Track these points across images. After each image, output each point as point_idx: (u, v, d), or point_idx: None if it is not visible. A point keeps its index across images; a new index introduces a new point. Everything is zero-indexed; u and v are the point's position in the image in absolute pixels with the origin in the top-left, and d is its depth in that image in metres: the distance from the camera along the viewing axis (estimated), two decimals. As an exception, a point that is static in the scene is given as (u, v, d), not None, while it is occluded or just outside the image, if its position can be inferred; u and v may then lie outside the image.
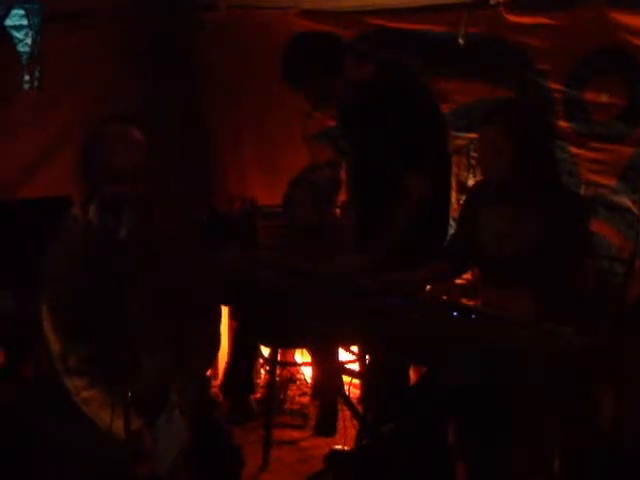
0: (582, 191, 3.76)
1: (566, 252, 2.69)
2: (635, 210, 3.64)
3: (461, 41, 3.84)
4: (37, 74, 3.80)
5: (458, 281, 3.28)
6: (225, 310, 4.20)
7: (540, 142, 2.77)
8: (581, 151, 3.75)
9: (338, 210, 4.10)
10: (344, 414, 3.87)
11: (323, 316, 2.78)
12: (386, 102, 3.13)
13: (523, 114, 2.81)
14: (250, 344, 4.14)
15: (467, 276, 3.23)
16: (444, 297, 2.88)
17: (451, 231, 3.34)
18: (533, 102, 3.67)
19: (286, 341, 3.96)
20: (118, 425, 2.31)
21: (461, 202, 3.75)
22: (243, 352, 4.13)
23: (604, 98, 3.69)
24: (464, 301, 2.96)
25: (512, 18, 3.83)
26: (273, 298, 2.87)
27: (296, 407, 4.29)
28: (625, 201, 3.67)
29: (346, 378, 3.97)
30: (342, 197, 4.04)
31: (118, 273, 2.37)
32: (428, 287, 3.17)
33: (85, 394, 2.40)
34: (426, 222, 3.12)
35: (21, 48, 3.78)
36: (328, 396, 4.05)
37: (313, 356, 4.16)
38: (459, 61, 3.96)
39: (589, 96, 3.73)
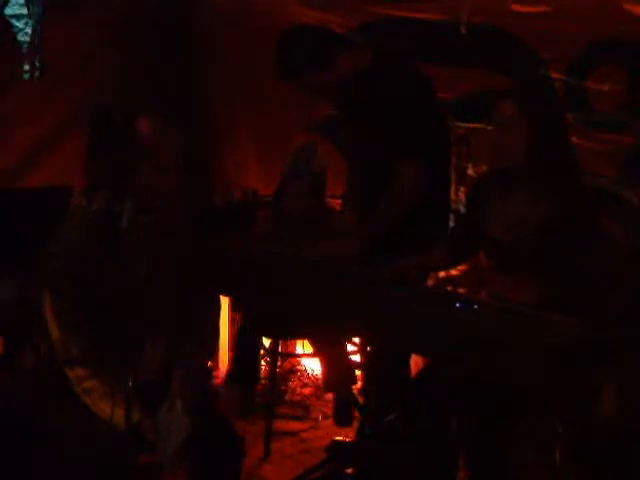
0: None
1: (578, 237, 2.66)
2: (634, 201, 3.63)
3: (463, 30, 3.82)
4: (37, 63, 3.78)
5: (453, 272, 3.28)
6: (225, 301, 4.19)
7: (555, 125, 2.74)
8: (581, 141, 3.73)
9: (338, 201, 4.07)
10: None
11: (324, 306, 2.78)
12: (380, 92, 3.13)
13: (539, 95, 2.78)
14: (253, 334, 4.12)
15: (461, 267, 3.22)
16: (448, 288, 2.87)
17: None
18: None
19: (287, 332, 3.94)
20: (119, 415, 2.31)
21: (460, 192, 3.75)
22: (250, 342, 4.11)
23: (606, 87, 3.67)
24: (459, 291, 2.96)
25: (514, 6, 3.82)
26: (273, 288, 2.87)
27: (297, 398, 4.29)
28: (624, 191, 3.66)
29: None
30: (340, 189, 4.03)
31: (120, 262, 2.36)
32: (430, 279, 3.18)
33: (86, 384, 2.40)
34: (423, 209, 3.12)
35: (21, 37, 3.76)
36: (342, 387, 4.03)
37: (319, 348, 4.14)
38: (461, 50, 3.95)
39: (590, 85, 3.72)
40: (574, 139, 3.69)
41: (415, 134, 3.10)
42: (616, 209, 3.55)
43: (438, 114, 3.31)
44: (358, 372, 4.00)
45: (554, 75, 3.79)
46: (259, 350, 4.17)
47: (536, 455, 2.65)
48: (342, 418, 3.95)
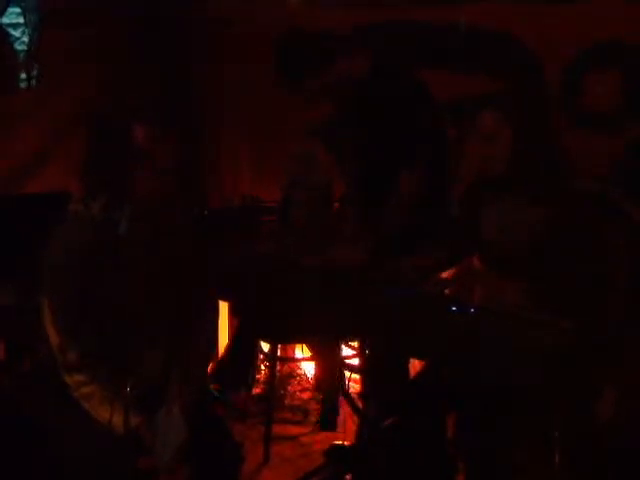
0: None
1: (575, 240, 2.66)
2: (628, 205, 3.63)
3: (462, 32, 3.83)
4: (34, 72, 3.79)
5: (446, 274, 3.28)
6: (224, 306, 4.20)
7: (539, 128, 2.75)
8: (576, 142, 3.74)
9: (336, 204, 4.09)
10: (344, 409, 3.88)
11: (322, 310, 2.78)
12: (381, 96, 3.15)
13: (520, 100, 2.79)
14: (250, 340, 4.13)
15: (455, 270, 3.23)
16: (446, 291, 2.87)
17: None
18: (530, 91, 3.67)
19: (286, 336, 3.95)
20: (117, 420, 2.32)
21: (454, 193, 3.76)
22: (243, 348, 4.13)
23: (601, 90, 3.69)
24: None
25: (513, 9, 3.83)
26: (271, 292, 2.88)
27: (296, 403, 4.29)
28: (617, 194, 3.66)
29: (346, 373, 3.98)
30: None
31: (118, 267, 2.37)
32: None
33: (85, 390, 2.40)
34: (423, 209, 3.14)
35: (18, 46, 3.77)
36: (330, 391, 4.05)
37: (314, 351, 4.16)
38: (459, 53, 3.96)
39: (587, 88, 3.73)
40: (569, 141, 3.72)
41: (415, 136, 3.13)
42: (610, 212, 3.55)
43: (436, 116, 3.33)
44: (357, 376, 4.02)
45: (551, 77, 3.80)
46: (252, 356, 4.18)
47: (535, 456, 2.65)
48: (325, 423, 3.97)
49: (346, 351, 4.15)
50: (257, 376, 4.42)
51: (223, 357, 4.14)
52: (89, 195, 2.48)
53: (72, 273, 2.41)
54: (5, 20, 3.76)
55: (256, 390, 4.34)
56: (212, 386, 3.97)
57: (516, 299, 2.58)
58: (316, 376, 4.34)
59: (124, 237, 2.31)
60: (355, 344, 4.08)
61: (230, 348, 4.10)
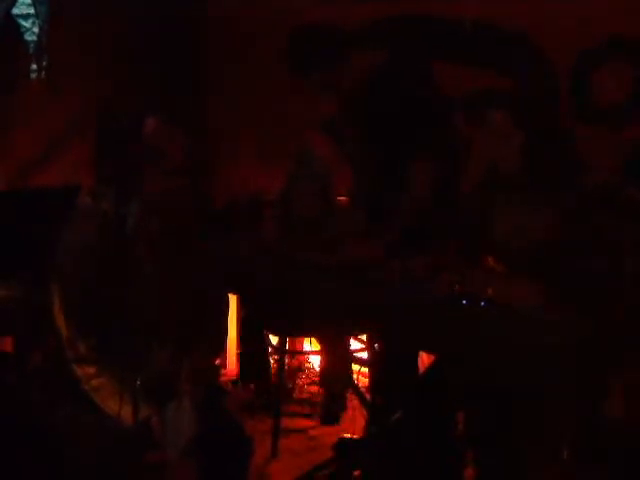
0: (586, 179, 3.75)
1: (584, 240, 2.66)
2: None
3: (468, 28, 3.82)
4: (44, 63, 3.79)
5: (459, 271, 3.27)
6: (234, 299, 4.20)
7: (549, 127, 2.75)
8: (585, 138, 3.73)
9: (344, 199, 4.08)
10: (353, 403, 3.88)
11: (331, 305, 2.78)
12: (395, 93, 3.15)
13: (530, 99, 2.78)
14: (258, 333, 4.13)
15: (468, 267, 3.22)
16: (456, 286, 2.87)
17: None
18: (540, 89, 3.66)
19: (295, 329, 3.95)
20: (127, 413, 2.32)
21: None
22: (254, 339, 4.14)
23: (610, 85, 3.67)
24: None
25: (519, 4, 3.81)
26: (283, 288, 2.88)
27: (305, 396, 4.30)
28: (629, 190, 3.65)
29: (355, 366, 3.98)
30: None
31: (127, 263, 2.37)
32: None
33: (95, 382, 2.41)
34: (435, 208, 3.13)
35: (28, 37, 3.77)
36: (334, 384, 4.05)
37: (322, 344, 4.15)
38: (465, 49, 3.94)
39: (595, 83, 3.71)
40: (578, 136, 3.71)
41: (428, 134, 3.12)
42: (622, 207, 3.54)
43: (449, 115, 3.32)
44: (365, 369, 4.02)
45: (559, 72, 3.78)
46: (266, 347, 4.19)
47: (545, 454, 2.65)
48: (327, 416, 3.97)
49: (354, 344, 4.15)
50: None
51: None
52: (98, 189, 2.49)
53: (82, 268, 2.42)
54: (16, 11, 3.75)
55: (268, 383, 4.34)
56: (221, 379, 3.99)
57: (529, 299, 2.57)
58: (322, 369, 4.33)
59: (132, 232, 2.31)
60: (363, 337, 4.07)
61: (239, 341, 4.11)
